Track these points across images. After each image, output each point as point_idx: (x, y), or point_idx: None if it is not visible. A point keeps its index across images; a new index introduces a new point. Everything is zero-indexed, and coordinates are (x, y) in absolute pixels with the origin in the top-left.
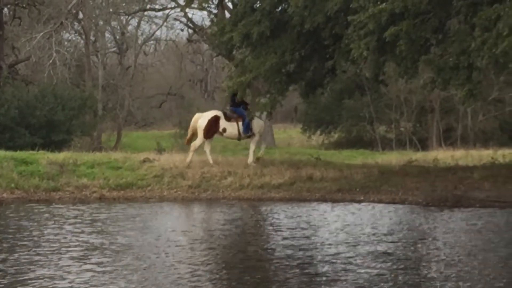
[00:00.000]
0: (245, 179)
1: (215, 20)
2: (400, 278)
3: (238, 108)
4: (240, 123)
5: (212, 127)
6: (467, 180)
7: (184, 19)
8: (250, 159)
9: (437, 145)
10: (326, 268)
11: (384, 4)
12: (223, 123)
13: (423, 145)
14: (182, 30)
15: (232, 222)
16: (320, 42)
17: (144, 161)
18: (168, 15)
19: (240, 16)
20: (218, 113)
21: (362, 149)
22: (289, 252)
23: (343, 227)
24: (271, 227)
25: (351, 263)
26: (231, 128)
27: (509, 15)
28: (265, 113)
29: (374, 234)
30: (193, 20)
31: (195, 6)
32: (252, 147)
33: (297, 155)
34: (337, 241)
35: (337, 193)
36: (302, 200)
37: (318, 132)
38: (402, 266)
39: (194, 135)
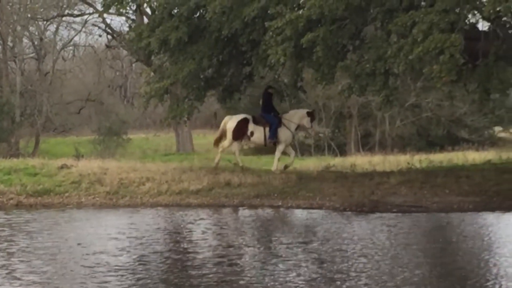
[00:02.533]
0: (163, 185)
1: (133, 25)
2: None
3: (268, 114)
4: (267, 129)
5: (240, 129)
6: (384, 185)
7: (102, 25)
8: (274, 166)
9: (355, 151)
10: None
11: (301, 10)
12: (251, 127)
13: (342, 150)
14: (100, 35)
15: (149, 228)
16: (238, 48)
17: (61, 167)
18: (86, 21)
19: (158, 21)
20: (248, 116)
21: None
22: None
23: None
24: (182, 233)
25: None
26: (258, 132)
27: (424, 22)
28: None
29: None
30: (111, 25)
31: (113, 11)
32: (277, 155)
33: None
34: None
35: (255, 198)
36: (221, 206)
37: None
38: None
39: (223, 136)
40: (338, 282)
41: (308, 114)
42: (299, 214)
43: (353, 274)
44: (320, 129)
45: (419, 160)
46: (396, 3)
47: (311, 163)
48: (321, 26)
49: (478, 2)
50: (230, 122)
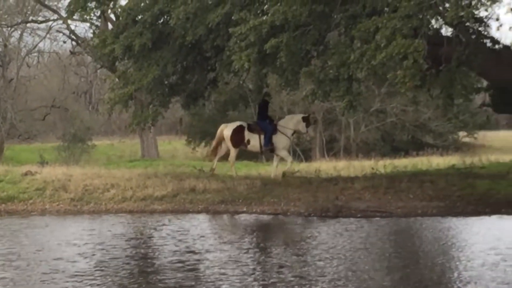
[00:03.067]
0: (127, 191)
1: (97, 32)
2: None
3: (264, 121)
4: (262, 136)
5: (237, 137)
6: (348, 191)
7: (67, 31)
8: (273, 173)
9: (320, 156)
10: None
11: (265, 16)
12: (247, 135)
13: (307, 156)
14: (65, 42)
15: (110, 234)
16: (202, 54)
17: (26, 174)
18: (51, 27)
19: (122, 28)
20: (243, 123)
21: (246, 160)
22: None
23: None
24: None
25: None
26: (253, 140)
27: (387, 27)
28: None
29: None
30: (76, 32)
31: (77, 18)
32: (276, 162)
33: (181, 167)
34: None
35: (220, 204)
36: (185, 212)
37: (203, 144)
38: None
39: (219, 145)
40: (296, 287)
41: (304, 119)
42: (263, 220)
43: (312, 278)
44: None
45: (384, 165)
46: (359, 9)
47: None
48: (285, 32)
49: (441, 8)
50: (226, 130)
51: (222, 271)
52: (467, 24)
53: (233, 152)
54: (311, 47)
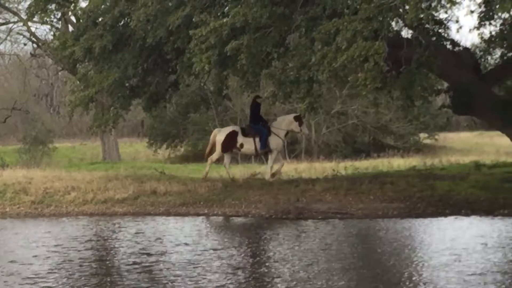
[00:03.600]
0: (88, 194)
1: (57, 34)
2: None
3: (257, 124)
4: (257, 139)
5: (229, 142)
6: (309, 192)
7: (27, 33)
8: (268, 175)
9: (282, 158)
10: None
11: (225, 18)
12: (240, 139)
13: (268, 158)
14: (25, 44)
15: (67, 237)
16: (162, 56)
17: None
18: (11, 29)
19: (83, 30)
20: (236, 128)
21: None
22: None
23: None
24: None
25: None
26: (248, 144)
27: (347, 29)
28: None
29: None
30: (36, 34)
31: (37, 20)
32: (270, 163)
33: (142, 169)
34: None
35: (181, 206)
36: (147, 214)
37: (164, 146)
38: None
39: (213, 149)
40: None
41: (296, 118)
42: (223, 222)
43: (267, 279)
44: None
45: (345, 167)
46: (320, 11)
47: (238, 171)
48: (245, 34)
49: (401, 10)
50: (219, 135)
51: (178, 272)
52: (427, 26)
53: (216, 155)
54: (272, 49)
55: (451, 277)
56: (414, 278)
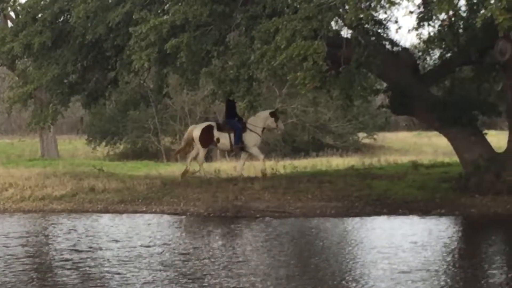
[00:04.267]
0: (26, 190)
1: None
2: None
3: (232, 119)
4: (232, 134)
5: (206, 136)
6: (248, 191)
7: None
8: (239, 171)
9: (221, 156)
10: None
11: (165, 16)
12: (216, 133)
13: (208, 156)
14: None
15: (4, 234)
16: (102, 53)
17: None
18: None
19: (22, 26)
20: (212, 123)
21: (147, 160)
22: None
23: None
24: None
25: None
26: (223, 139)
27: (287, 29)
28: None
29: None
30: None
31: None
32: (243, 161)
33: (81, 166)
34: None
35: (119, 204)
36: (85, 211)
37: (104, 143)
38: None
39: (188, 146)
40: (173, 285)
41: (271, 114)
42: (158, 219)
43: (198, 275)
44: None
45: (284, 165)
46: (260, 10)
47: (177, 169)
48: (185, 32)
49: (341, 10)
50: (195, 131)
51: (107, 269)
52: (367, 26)
53: (201, 152)
54: (212, 47)
55: (379, 275)
56: (343, 275)
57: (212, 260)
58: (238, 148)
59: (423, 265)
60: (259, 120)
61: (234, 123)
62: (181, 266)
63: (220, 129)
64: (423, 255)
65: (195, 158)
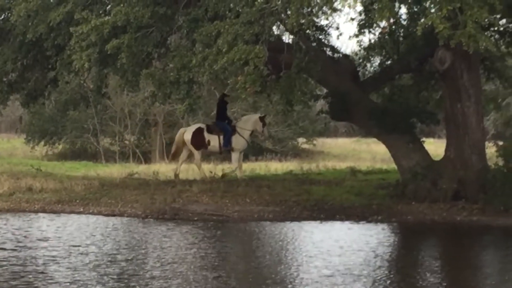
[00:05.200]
0: None
1: None
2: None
3: (222, 122)
4: (222, 137)
5: (198, 139)
6: (186, 193)
7: None
8: (239, 173)
9: (160, 158)
10: None
11: (107, 17)
12: (207, 136)
13: (147, 158)
14: None
15: None
16: (42, 52)
17: None
18: None
19: None
20: (201, 125)
21: (85, 161)
22: None
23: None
24: None
25: None
26: (213, 141)
27: (229, 32)
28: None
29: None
30: None
31: None
32: (235, 162)
33: (19, 165)
34: None
35: (56, 204)
36: (21, 211)
37: (42, 143)
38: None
39: (179, 149)
40: (99, 285)
41: (261, 119)
42: (93, 220)
43: (124, 276)
44: (126, 136)
45: (222, 169)
46: (202, 13)
47: (115, 170)
48: (127, 33)
49: (282, 15)
50: (186, 134)
51: (32, 268)
52: (308, 31)
53: (197, 154)
54: (153, 49)
55: (304, 278)
56: (268, 278)
57: (140, 261)
58: (226, 151)
59: (347, 269)
60: (248, 124)
61: (224, 126)
62: (108, 267)
63: (210, 131)
64: (351, 260)
65: (185, 161)
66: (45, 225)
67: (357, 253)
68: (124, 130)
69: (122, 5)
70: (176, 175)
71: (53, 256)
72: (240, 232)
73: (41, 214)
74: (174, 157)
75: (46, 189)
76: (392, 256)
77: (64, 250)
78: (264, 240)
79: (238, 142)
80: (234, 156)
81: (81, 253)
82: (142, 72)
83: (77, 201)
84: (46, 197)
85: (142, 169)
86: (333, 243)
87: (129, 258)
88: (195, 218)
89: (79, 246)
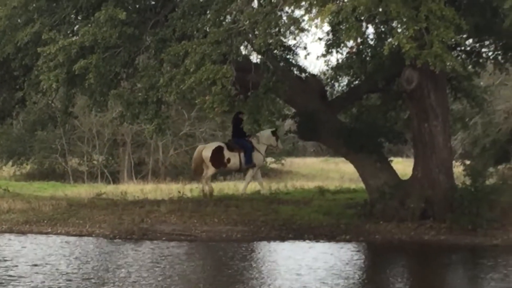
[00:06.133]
0: None
1: None
2: None
3: (240, 139)
4: (242, 154)
5: (217, 157)
6: (154, 214)
7: None
8: (244, 189)
9: (128, 179)
10: None
11: (74, 37)
12: (227, 154)
13: (115, 178)
14: None
15: None
16: (10, 72)
17: None
18: None
19: None
20: (221, 144)
21: (53, 181)
22: None
23: None
24: None
25: None
26: (234, 158)
27: (196, 52)
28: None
29: None
30: None
31: None
32: (248, 178)
33: None
34: None
35: (24, 224)
36: None
37: (10, 163)
38: None
39: (198, 166)
40: None
41: (273, 133)
42: (59, 241)
43: None
44: (94, 156)
45: (190, 189)
46: (170, 33)
47: (83, 190)
48: (95, 53)
49: (250, 35)
50: (206, 151)
51: None
52: (275, 51)
53: (210, 171)
54: (121, 69)
55: None
56: None
57: (94, 281)
58: (246, 168)
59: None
60: (263, 139)
61: (244, 143)
62: (62, 286)
63: (230, 149)
64: (304, 279)
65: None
66: (7, 245)
67: (314, 272)
68: (92, 150)
69: (89, 25)
70: (209, 194)
71: (11, 276)
72: (205, 252)
73: (7, 235)
74: (196, 174)
75: (13, 209)
76: (354, 275)
77: (19, 270)
78: (227, 260)
79: (258, 158)
80: (252, 172)
81: (37, 273)
82: (110, 92)
83: (45, 221)
84: (14, 217)
85: (110, 189)
86: (294, 262)
87: (85, 277)
88: (163, 238)
89: (36, 265)
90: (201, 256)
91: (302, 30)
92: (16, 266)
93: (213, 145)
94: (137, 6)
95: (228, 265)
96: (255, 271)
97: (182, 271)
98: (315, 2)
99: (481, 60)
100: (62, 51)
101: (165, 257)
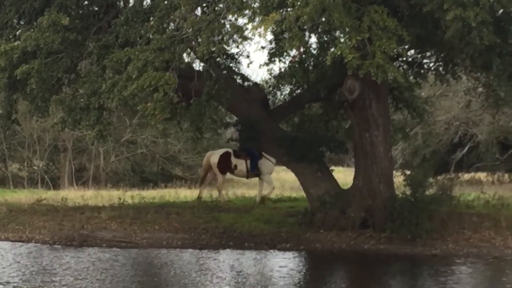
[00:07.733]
0: None
1: None
2: None
3: (247, 147)
4: (249, 161)
5: (224, 163)
6: (94, 220)
7: None
8: (258, 198)
9: (69, 185)
10: None
11: (16, 42)
12: (234, 160)
13: (55, 184)
14: None
15: None
16: None
17: None
18: None
19: None
20: (229, 150)
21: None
22: None
23: None
24: None
25: None
26: (240, 165)
27: (139, 59)
28: None
29: None
30: None
31: None
32: (262, 186)
33: None
34: None
35: None
36: None
37: None
38: None
39: (207, 173)
40: None
41: None
42: None
43: None
44: (34, 162)
45: (132, 196)
46: (112, 39)
47: (23, 196)
48: (37, 58)
49: (193, 43)
50: (213, 157)
51: None
52: (218, 59)
53: (220, 178)
54: (63, 75)
55: None
56: None
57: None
58: (253, 175)
59: None
60: None
61: (251, 151)
62: None
63: (237, 155)
64: (238, 286)
65: (209, 184)
66: None
67: (248, 278)
68: (33, 156)
69: (32, 30)
70: (199, 198)
71: None
72: (142, 259)
73: None
74: (203, 180)
75: None
76: (290, 283)
77: None
78: (161, 267)
79: (267, 165)
80: (267, 178)
81: None
82: (52, 97)
83: None
84: None
85: (50, 195)
86: (223, 271)
87: (19, 285)
88: (104, 245)
89: None
90: (137, 262)
91: (245, 38)
92: None
93: (221, 151)
94: (80, 12)
95: (161, 273)
96: (187, 278)
97: (114, 276)
98: (258, 11)
99: (422, 71)
100: (3, 56)
101: (101, 263)
